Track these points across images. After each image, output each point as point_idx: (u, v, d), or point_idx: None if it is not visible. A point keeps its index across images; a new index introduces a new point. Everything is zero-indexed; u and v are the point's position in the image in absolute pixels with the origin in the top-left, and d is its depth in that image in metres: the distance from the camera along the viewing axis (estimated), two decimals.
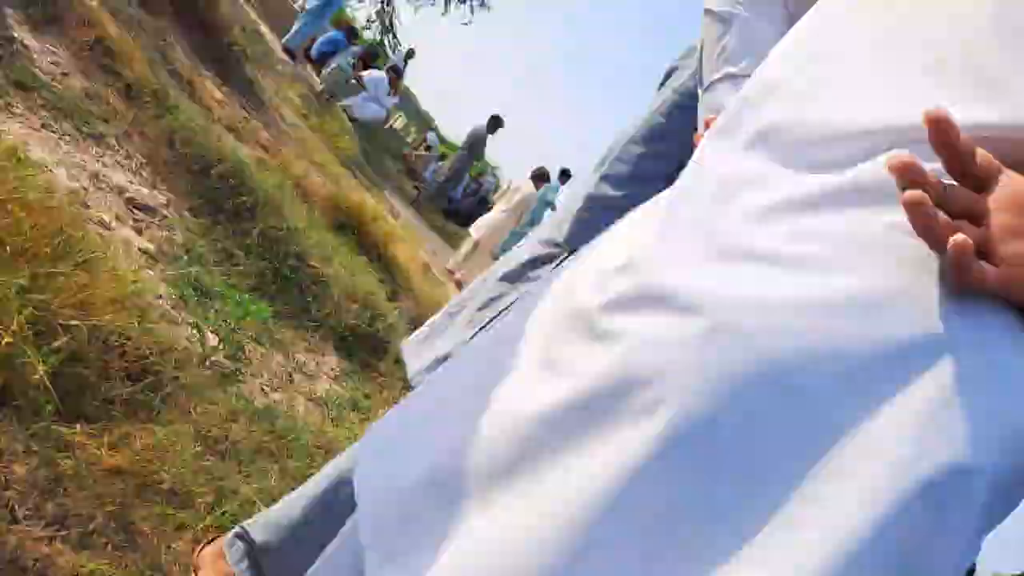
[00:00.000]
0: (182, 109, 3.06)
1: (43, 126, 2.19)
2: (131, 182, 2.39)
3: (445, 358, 1.19)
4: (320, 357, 2.59)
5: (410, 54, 12.93)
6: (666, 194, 0.70)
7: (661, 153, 1.20)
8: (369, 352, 2.90)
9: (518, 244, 1.40)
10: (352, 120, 8.49)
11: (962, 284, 0.50)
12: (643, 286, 0.57)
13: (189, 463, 1.44)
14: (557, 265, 1.17)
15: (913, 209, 0.48)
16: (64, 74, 2.54)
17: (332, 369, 2.60)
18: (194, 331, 1.90)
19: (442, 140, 16.63)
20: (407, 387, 1.84)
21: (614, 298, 0.58)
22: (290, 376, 2.27)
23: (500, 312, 1.19)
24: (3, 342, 1.20)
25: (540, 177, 7.96)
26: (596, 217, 1.16)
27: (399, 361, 2.56)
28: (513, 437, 0.55)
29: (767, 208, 0.56)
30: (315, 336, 2.66)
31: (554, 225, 1.27)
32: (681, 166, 0.70)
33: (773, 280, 0.52)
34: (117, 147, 2.50)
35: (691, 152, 0.73)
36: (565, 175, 8.85)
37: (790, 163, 0.58)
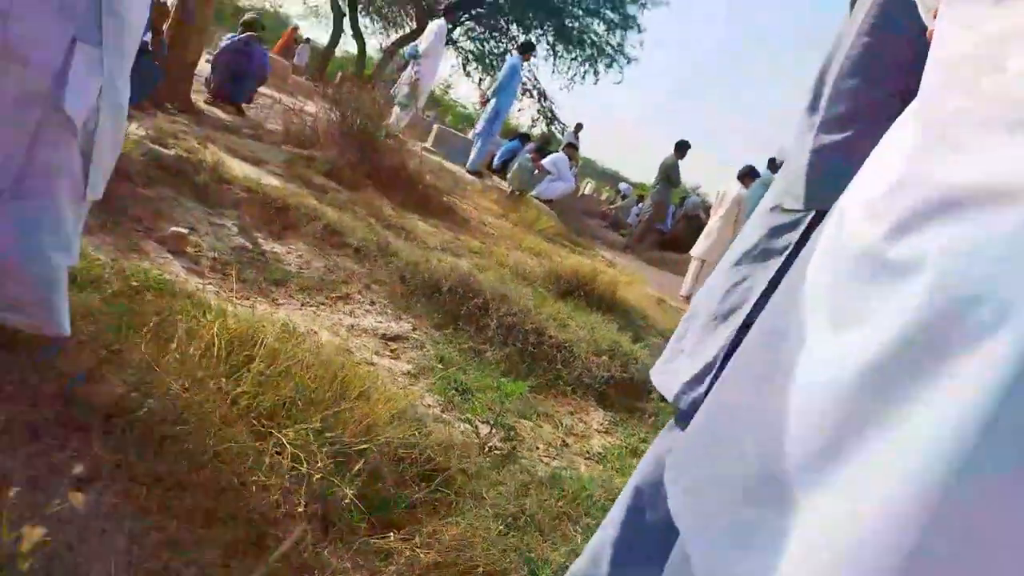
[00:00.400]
0: (402, 250, 3.47)
1: (302, 304, 2.61)
2: (380, 322, 2.73)
3: (711, 364, 1.12)
4: (585, 416, 2.65)
5: (579, 127, 13.44)
6: (912, 107, 0.62)
7: (878, 77, 1.06)
8: (631, 397, 2.90)
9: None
10: (547, 202, 8.93)
11: None
12: (929, 196, 0.50)
13: (496, 544, 1.53)
14: (804, 230, 1.07)
15: None
16: (306, 262, 3.04)
17: (600, 424, 2.63)
18: (466, 425, 2.06)
19: (634, 185, 16.68)
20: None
21: (897, 221, 0.51)
22: (563, 441, 2.34)
23: (749, 292, 1.10)
24: (315, 479, 1.41)
25: (747, 175, 7.57)
26: (828, 166, 1.04)
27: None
28: (829, 410, 0.51)
29: None
30: (575, 398, 2.73)
31: (781, 193, 1.16)
32: (906, 85, 0.63)
33: None
34: (361, 298, 2.89)
35: (913, 63, 0.66)
36: (773, 163, 8.33)
37: None
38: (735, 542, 0.56)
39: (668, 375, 1.21)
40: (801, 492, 0.51)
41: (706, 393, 1.06)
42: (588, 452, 2.32)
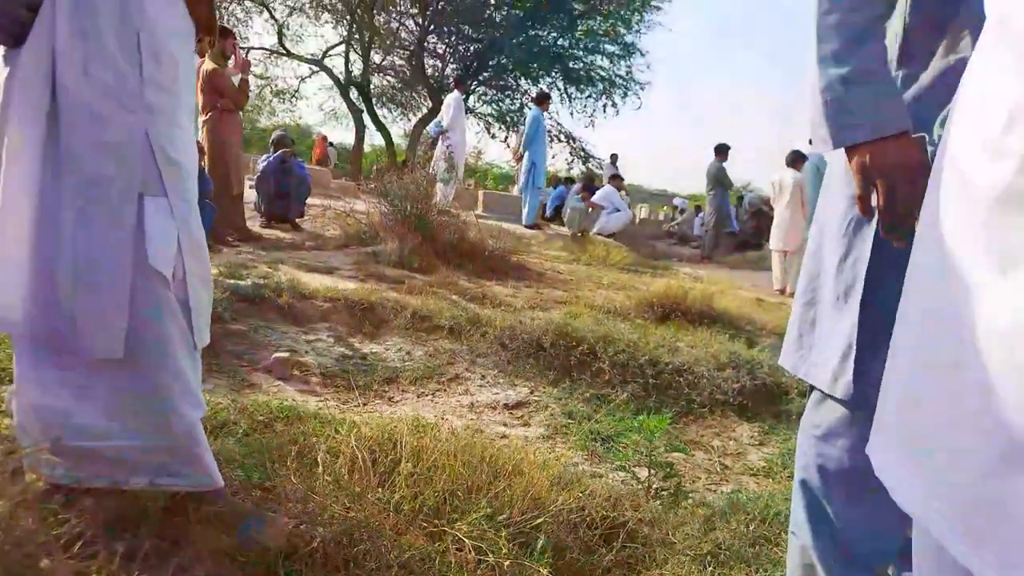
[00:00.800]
0: (492, 318, 3.43)
1: (418, 396, 2.58)
2: (496, 393, 2.67)
3: (850, 344, 1.07)
4: (732, 433, 2.50)
5: (614, 157, 13.50)
6: (990, 39, 0.63)
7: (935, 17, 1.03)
8: (770, 403, 2.73)
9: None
10: (611, 236, 8.87)
11: None
12: None
13: None
14: None
15: None
16: (407, 353, 3.03)
17: (750, 437, 2.48)
18: (622, 473, 1.95)
19: (688, 198, 16.47)
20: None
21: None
22: (722, 464, 2.20)
23: (857, 266, 1.08)
24: (506, 566, 1.33)
25: (797, 159, 7.36)
26: (836, 102, 1.01)
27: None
28: None
29: None
30: (715, 419, 2.59)
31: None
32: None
33: None
34: (470, 375, 2.85)
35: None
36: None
37: None
38: (994, 532, 0.53)
39: (809, 365, 1.18)
40: None
41: (855, 373, 1.06)
42: (751, 469, 2.17)
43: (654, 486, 1.87)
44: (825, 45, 1.03)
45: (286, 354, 2.77)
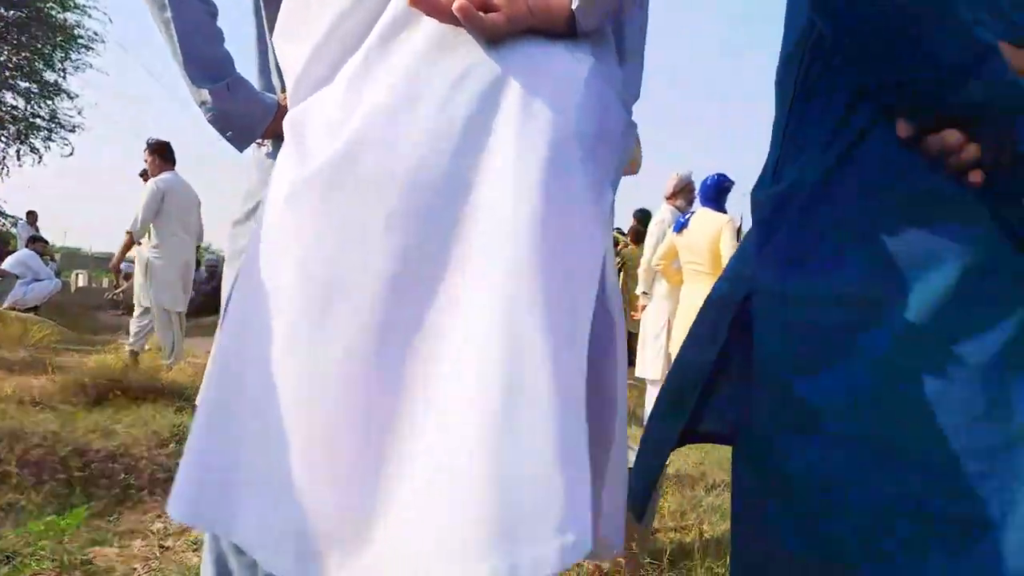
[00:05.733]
0: None
1: None
2: None
3: None
4: None
5: (32, 217, 11.51)
6: None
7: None
8: None
9: None
10: (32, 309, 7.49)
11: (485, 36, 0.64)
12: None
13: None
14: None
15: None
16: None
17: None
18: None
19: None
20: None
21: None
22: (162, 546, 2.08)
23: None
24: None
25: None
26: None
27: None
28: None
29: None
30: (159, 498, 2.44)
31: None
32: None
33: None
34: None
35: None
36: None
37: None
38: None
39: None
40: None
41: None
42: (194, 543, 2.11)
43: None
44: None
45: None
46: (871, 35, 0.63)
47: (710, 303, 0.86)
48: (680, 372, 0.87)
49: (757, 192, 0.79)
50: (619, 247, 6.64)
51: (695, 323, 0.90)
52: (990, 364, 0.60)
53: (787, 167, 0.75)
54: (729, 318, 0.77)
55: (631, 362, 6.25)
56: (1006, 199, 0.61)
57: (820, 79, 0.72)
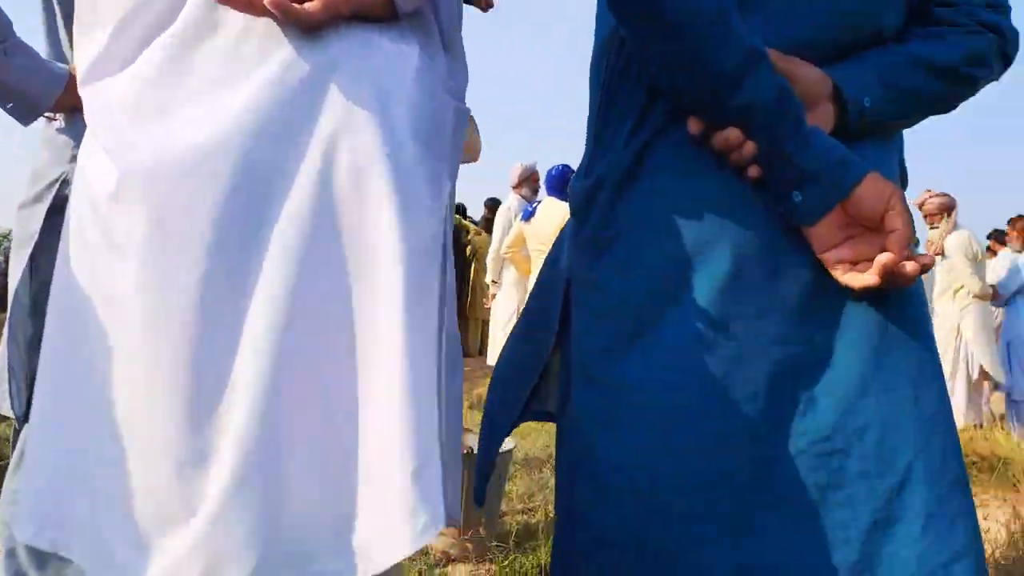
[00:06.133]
0: None
1: None
2: None
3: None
4: None
5: None
6: None
7: None
8: None
9: None
10: None
11: (302, 26, 0.62)
12: None
13: None
14: None
15: None
16: None
17: None
18: None
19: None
20: None
21: None
22: None
23: None
24: None
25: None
26: None
27: None
28: None
29: None
30: None
31: None
32: None
33: None
34: None
35: None
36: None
37: None
38: None
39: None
40: None
41: None
42: None
43: None
44: None
45: None
46: (658, 41, 0.67)
47: (539, 287, 0.88)
48: (515, 357, 0.88)
49: (574, 183, 0.82)
50: (469, 235, 6.68)
51: (526, 309, 0.91)
52: (770, 340, 0.66)
53: (596, 163, 0.78)
54: (559, 303, 0.79)
55: (482, 350, 6.35)
56: (775, 192, 0.67)
57: (623, 79, 0.75)
